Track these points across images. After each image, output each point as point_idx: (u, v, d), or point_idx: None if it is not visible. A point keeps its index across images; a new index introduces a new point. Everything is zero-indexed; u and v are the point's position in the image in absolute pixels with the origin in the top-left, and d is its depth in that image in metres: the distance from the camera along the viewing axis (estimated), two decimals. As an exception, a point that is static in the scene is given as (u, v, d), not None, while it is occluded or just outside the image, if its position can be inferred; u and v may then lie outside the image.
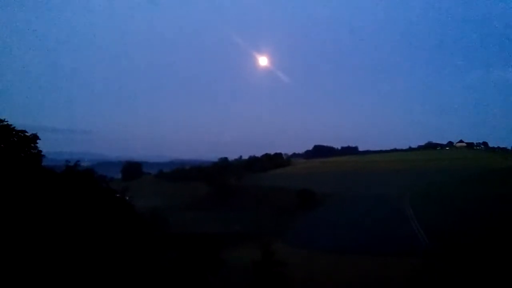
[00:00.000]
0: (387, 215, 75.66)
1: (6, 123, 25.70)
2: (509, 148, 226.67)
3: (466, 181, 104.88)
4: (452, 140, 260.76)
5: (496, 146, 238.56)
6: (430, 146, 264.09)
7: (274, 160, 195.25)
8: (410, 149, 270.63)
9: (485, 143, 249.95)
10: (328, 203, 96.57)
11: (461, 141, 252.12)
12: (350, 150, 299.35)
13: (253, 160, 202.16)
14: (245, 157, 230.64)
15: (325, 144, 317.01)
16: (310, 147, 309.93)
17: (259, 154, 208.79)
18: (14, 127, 26.11)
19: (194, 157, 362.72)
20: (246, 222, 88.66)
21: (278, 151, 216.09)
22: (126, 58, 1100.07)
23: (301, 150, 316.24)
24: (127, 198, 51.49)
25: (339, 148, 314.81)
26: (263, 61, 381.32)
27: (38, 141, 27.18)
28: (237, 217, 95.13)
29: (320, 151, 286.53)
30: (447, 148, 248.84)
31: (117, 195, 42.70)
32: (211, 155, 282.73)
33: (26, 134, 26.60)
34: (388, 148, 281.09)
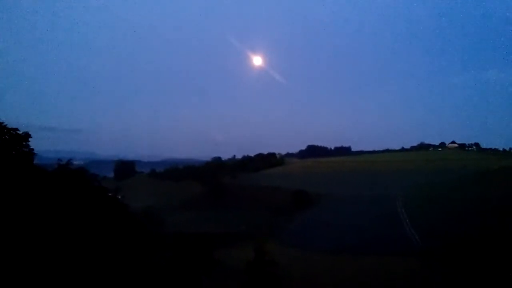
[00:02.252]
0: (380, 216, 75.91)
1: (-3, 121, 25.36)
2: (501, 149, 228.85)
3: (458, 182, 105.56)
4: (444, 141, 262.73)
5: (488, 147, 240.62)
6: (423, 146, 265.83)
7: (267, 160, 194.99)
8: (403, 149, 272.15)
9: (477, 144, 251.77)
10: (322, 203, 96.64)
11: (453, 142, 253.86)
12: (343, 150, 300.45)
13: (246, 159, 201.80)
14: (239, 156, 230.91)
15: (318, 144, 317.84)
16: (304, 147, 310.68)
17: (252, 153, 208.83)
18: (6, 125, 25.76)
19: (188, 156, 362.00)
20: (240, 222, 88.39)
21: (271, 151, 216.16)
22: (119, 57, 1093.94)
23: (294, 149, 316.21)
24: (120, 197, 51.02)
25: (333, 148, 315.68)
26: (257, 60, 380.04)
27: (30, 139, 26.86)
28: (231, 217, 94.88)
29: (313, 151, 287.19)
30: (440, 149, 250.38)
31: (109, 194, 42.36)
32: (205, 154, 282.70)
33: (18, 132, 26.26)
34: (381, 149, 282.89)
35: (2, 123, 25.59)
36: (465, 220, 64.35)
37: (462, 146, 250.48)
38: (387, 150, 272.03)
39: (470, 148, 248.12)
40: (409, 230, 63.76)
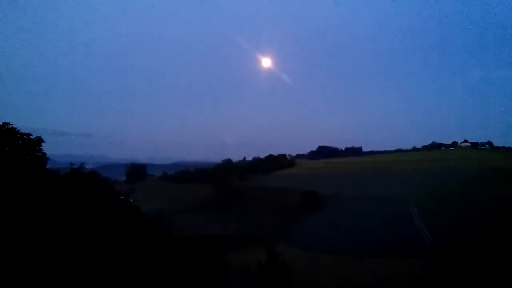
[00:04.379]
0: (392, 216, 75.21)
1: (11, 126, 25.81)
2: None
3: (471, 181, 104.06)
4: (456, 140, 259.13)
5: (501, 145, 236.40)
6: (435, 146, 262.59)
7: (278, 161, 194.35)
8: (415, 149, 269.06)
9: (489, 143, 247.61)
10: (333, 204, 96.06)
11: (465, 141, 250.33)
12: (354, 151, 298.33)
13: (257, 161, 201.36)
14: (249, 158, 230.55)
15: (329, 144, 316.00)
16: (314, 148, 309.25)
17: (263, 155, 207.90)
18: (19, 130, 26.21)
19: (198, 159, 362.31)
20: (251, 224, 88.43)
21: (282, 152, 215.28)
22: (129, 60, 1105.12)
23: (305, 151, 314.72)
24: (132, 200, 51.42)
25: (343, 148, 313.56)
26: (266, 62, 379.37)
27: (42, 144, 27.29)
28: (242, 219, 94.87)
29: (324, 152, 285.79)
30: (452, 148, 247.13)
31: (121, 197, 42.71)
32: (215, 156, 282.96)
33: (31, 137, 26.69)
34: (392, 149, 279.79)
35: (15, 128, 26.05)
36: (478, 219, 63.48)
37: (474, 145, 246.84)
38: (399, 150, 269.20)
39: (482, 147, 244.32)
40: (422, 231, 63.08)
